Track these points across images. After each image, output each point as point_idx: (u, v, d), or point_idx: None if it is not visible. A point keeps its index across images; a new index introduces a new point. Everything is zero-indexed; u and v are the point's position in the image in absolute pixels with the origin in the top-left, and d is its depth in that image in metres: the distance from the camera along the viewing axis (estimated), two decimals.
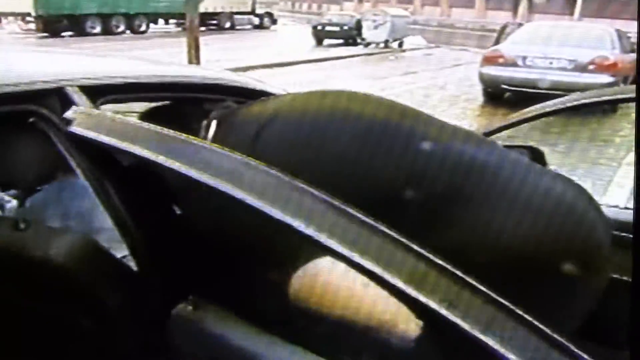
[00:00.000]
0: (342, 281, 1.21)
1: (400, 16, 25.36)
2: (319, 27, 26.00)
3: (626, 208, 2.08)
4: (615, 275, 1.41)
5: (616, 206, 2.09)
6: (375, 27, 23.87)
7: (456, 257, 1.24)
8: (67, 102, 1.40)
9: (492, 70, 11.45)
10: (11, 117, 1.45)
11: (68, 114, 1.37)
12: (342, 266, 1.00)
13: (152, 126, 1.29)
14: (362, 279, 0.97)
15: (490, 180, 1.36)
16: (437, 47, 25.80)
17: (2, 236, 1.48)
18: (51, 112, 1.40)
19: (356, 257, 0.91)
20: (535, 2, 35.96)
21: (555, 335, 0.82)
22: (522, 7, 36.69)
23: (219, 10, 30.31)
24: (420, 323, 1.15)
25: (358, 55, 21.49)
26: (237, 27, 31.70)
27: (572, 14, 27.51)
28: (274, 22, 34.50)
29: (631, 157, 7.22)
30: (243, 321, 1.32)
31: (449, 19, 37.96)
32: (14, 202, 1.98)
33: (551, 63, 10.95)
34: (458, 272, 0.89)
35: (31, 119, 1.42)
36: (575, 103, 2.26)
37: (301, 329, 1.29)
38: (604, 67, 10.71)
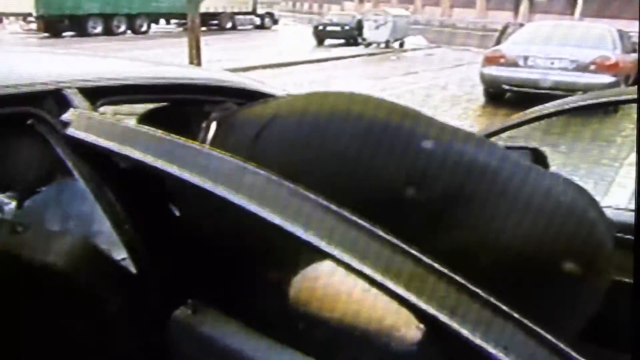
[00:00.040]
0: (342, 285, 1.20)
1: (401, 16, 25.38)
2: (320, 27, 26.04)
3: (628, 209, 2.07)
4: (616, 278, 1.40)
5: (618, 207, 2.08)
6: (377, 27, 23.89)
7: (457, 258, 1.23)
8: (65, 104, 1.40)
9: (494, 71, 11.46)
10: (9, 119, 1.44)
11: (65, 117, 1.36)
12: (342, 270, 1.00)
13: (148, 129, 1.28)
14: (362, 282, 0.96)
15: (490, 181, 1.36)
16: (439, 47, 25.84)
17: (0, 239, 1.47)
18: (49, 114, 1.40)
19: (355, 263, 0.91)
20: (536, 2, 35.95)
21: (555, 341, 0.82)
22: (523, 7, 36.68)
23: (220, 10, 30.36)
24: (421, 327, 1.15)
25: (359, 56, 21.51)
26: (238, 27, 31.77)
27: (572, 13, 27.55)
28: (275, 22, 34.57)
29: (633, 157, 7.22)
30: (243, 325, 1.31)
31: (450, 19, 37.97)
32: (12, 205, 1.97)
33: (552, 63, 10.95)
34: (458, 278, 0.88)
35: (29, 121, 1.42)
36: (577, 104, 2.25)
37: (301, 333, 1.29)
38: (605, 67, 10.70)
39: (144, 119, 1.66)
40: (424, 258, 0.90)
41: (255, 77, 2.24)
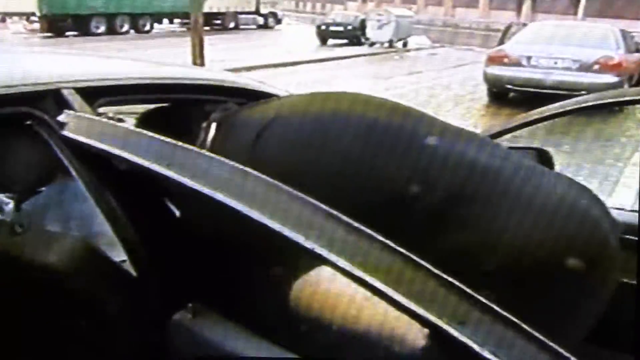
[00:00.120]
0: (343, 289, 1.19)
1: (404, 16, 25.39)
2: (323, 27, 26.06)
3: (634, 211, 2.05)
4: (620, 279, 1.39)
5: (624, 208, 2.06)
6: (380, 27, 23.90)
7: (461, 258, 1.22)
8: (64, 105, 1.39)
9: (497, 70, 11.47)
10: (8, 119, 1.43)
11: (62, 117, 1.35)
12: None
13: (144, 132, 1.27)
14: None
15: (494, 181, 1.35)
16: (442, 46, 25.83)
17: None
18: (47, 114, 1.39)
19: (356, 270, 0.89)
20: (538, 2, 35.94)
21: (556, 346, 0.80)
22: (526, 7, 36.65)
23: (223, 10, 30.38)
24: (424, 331, 1.13)
25: (362, 55, 21.52)
26: (242, 27, 31.79)
27: (575, 13, 27.48)
28: (278, 21, 34.61)
29: (637, 156, 7.20)
30: (243, 329, 1.30)
31: (452, 18, 37.97)
32: (11, 205, 1.96)
33: (556, 63, 10.95)
34: (459, 284, 0.87)
35: (27, 122, 1.41)
36: (581, 105, 2.24)
37: (302, 337, 1.28)
38: (609, 67, 10.70)
39: (143, 119, 1.65)
40: (424, 264, 0.89)
41: (259, 76, 2.24)
